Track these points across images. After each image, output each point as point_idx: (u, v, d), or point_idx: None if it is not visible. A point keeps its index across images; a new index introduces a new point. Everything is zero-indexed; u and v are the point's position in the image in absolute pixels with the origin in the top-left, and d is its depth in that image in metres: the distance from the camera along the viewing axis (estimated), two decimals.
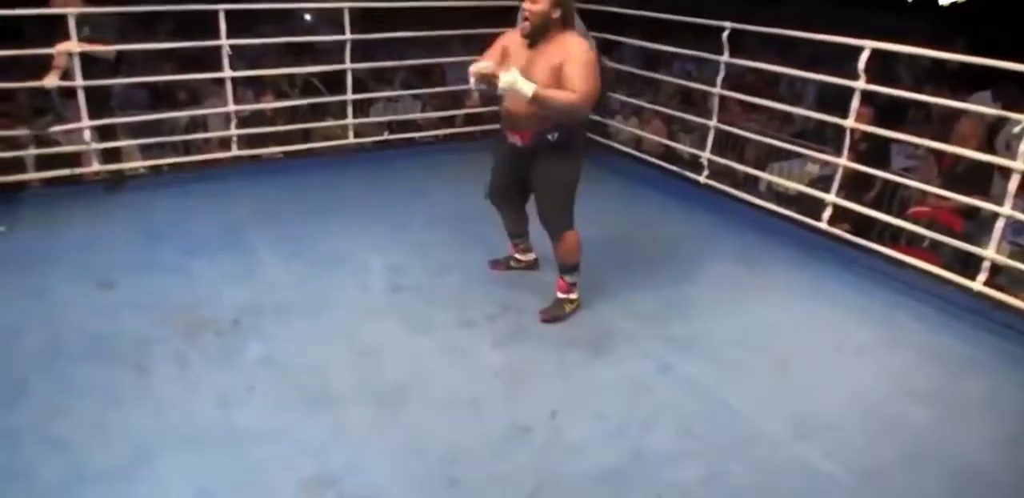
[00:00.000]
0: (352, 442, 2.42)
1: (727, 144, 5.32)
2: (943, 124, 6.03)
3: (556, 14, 2.81)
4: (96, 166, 4.36)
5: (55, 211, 4.06)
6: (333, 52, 7.49)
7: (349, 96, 4.94)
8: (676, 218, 4.31)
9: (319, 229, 3.91)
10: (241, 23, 4.30)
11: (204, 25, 4.50)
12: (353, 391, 2.67)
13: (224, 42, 4.29)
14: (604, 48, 4.88)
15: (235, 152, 4.62)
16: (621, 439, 2.47)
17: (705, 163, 4.43)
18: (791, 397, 2.74)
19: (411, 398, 2.63)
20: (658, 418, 2.58)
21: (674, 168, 4.71)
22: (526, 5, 2.81)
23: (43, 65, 4.12)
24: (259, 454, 2.35)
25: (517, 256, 3.52)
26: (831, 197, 3.81)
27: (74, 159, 4.47)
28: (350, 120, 4.99)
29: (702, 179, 4.46)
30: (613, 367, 2.86)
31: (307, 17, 10.47)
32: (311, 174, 4.77)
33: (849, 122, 3.69)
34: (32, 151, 4.45)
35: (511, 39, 2.97)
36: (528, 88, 2.71)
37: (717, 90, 4.28)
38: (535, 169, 3.01)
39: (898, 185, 4.63)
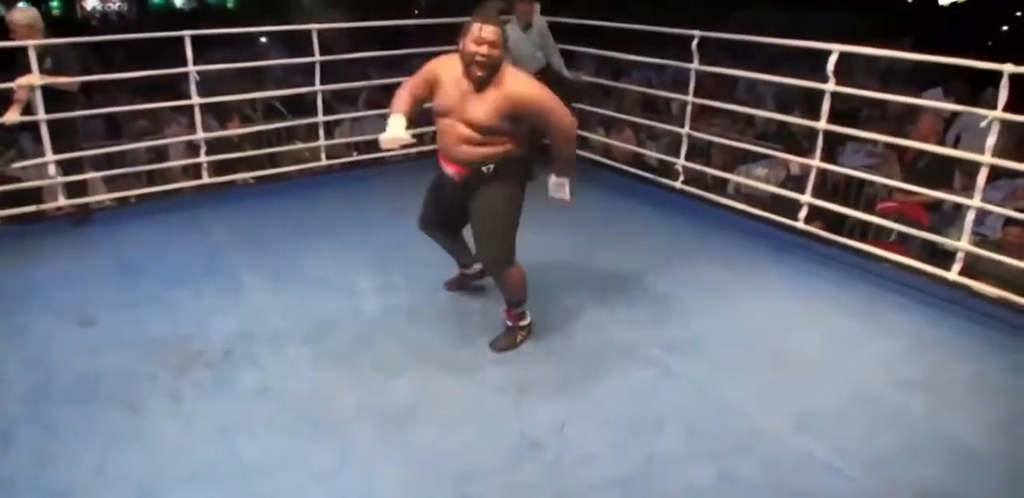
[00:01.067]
0: (362, 465, 2.39)
1: (694, 149, 5.41)
2: (898, 122, 6.25)
3: (503, 55, 2.67)
4: (62, 200, 4.24)
5: (23, 248, 3.94)
6: (292, 74, 7.49)
7: (320, 118, 4.91)
8: (655, 224, 4.37)
9: (300, 252, 3.87)
10: (196, 49, 4.24)
11: (159, 53, 4.45)
12: (357, 414, 2.63)
13: (191, 69, 4.24)
14: (566, 59, 5.03)
15: (206, 180, 4.55)
16: (631, 446, 2.49)
17: (680, 169, 4.49)
18: (790, 392, 2.79)
19: (418, 417, 2.61)
20: (665, 422, 2.60)
21: (649, 175, 4.77)
22: (482, 50, 2.59)
23: (2, 100, 4.04)
24: (268, 485, 2.30)
25: (465, 272, 3.40)
26: (806, 197, 3.90)
27: (36, 194, 4.35)
28: (322, 142, 4.95)
29: (678, 185, 4.53)
30: (615, 375, 2.88)
31: (262, 40, 10.42)
32: (285, 198, 4.72)
33: (821, 124, 3.78)
34: None
35: (448, 73, 2.74)
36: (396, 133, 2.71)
37: (689, 98, 4.35)
38: (471, 200, 2.87)
39: (862, 182, 4.79)
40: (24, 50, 3.90)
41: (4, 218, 4.24)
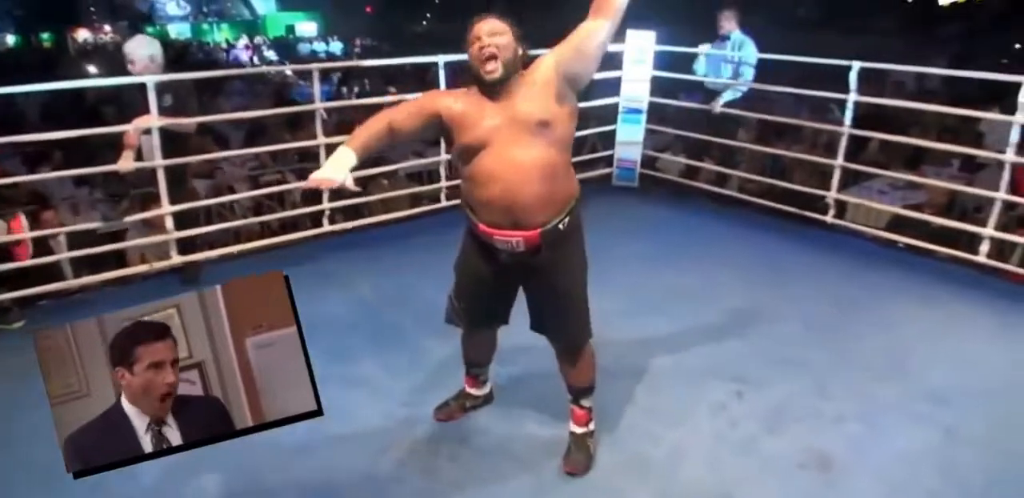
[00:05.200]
0: None
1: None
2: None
3: (521, 50, 2.11)
4: (176, 257, 3.76)
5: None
6: None
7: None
8: (819, 265, 4.13)
9: None
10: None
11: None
12: None
13: (319, 106, 3.85)
14: None
15: (328, 228, 4.13)
16: None
17: (832, 203, 4.33)
18: None
19: None
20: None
21: (792, 209, 4.54)
22: (486, 40, 2.04)
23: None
24: None
25: (472, 392, 2.73)
26: (989, 231, 3.77)
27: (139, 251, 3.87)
28: (443, 183, 4.57)
29: (829, 219, 4.36)
30: (893, 435, 2.64)
31: None
32: (402, 244, 4.32)
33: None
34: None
35: (455, 100, 2.13)
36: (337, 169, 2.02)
37: (846, 129, 4.20)
38: (543, 276, 2.21)
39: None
40: (140, 87, 3.46)
41: (107, 281, 3.73)
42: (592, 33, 2.08)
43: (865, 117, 5.04)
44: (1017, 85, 3.65)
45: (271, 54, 20.38)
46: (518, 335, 2.60)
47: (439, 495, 2.35)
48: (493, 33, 2.06)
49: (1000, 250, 4.05)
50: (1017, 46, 8.39)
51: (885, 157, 6.15)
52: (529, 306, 2.33)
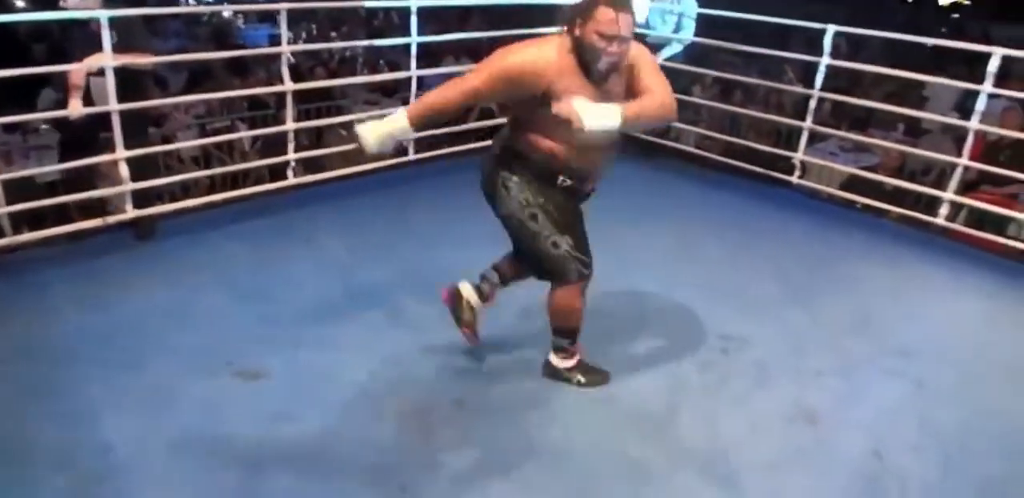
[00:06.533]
0: None
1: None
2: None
3: None
4: (131, 210, 3.50)
5: (104, 276, 3.24)
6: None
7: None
8: (782, 223, 4.22)
9: (433, 259, 3.39)
10: None
11: None
12: None
13: (285, 49, 3.62)
14: None
15: (292, 180, 3.94)
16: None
17: (798, 164, 4.40)
18: None
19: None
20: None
21: (761, 170, 4.59)
22: (617, 48, 2.08)
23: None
24: None
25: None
26: (950, 195, 3.92)
27: (98, 203, 3.59)
28: None
29: (795, 180, 4.44)
30: (870, 389, 2.77)
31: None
32: (376, 195, 4.18)
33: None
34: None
35: (557, 68, 2.12)
36: (614, 114, 2.05)
37: (816, 92, 4.24)
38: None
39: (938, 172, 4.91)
40: (81, 25, 3.16)
41: (62, 236, 3.43)
42: (655, 97, 2.20)
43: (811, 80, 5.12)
44: (959, 52, 3.77)
45: None
46: (512, 295, 2.58)
47: (437, 458, 2.31)
48: (631, 32, 2.06)
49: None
50: (955, 15, 8.81)
51: (835, 120, 6.32)
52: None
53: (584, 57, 2.11)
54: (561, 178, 2.30)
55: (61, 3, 3.25)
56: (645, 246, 3.73)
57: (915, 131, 6.04)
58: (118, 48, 3.23)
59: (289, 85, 3.73)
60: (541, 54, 2.11)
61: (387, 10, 8.91)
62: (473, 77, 2.14)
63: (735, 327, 3.06)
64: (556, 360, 2.63)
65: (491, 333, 2.80)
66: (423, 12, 4.20)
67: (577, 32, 2.09)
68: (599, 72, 2.13)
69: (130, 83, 3.31)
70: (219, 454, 2.27)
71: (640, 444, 2.40)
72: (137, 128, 3.42)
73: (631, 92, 2.23)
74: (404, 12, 5.22)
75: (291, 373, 2.65)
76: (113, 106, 3.26)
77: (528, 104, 2.18)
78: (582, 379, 2.63)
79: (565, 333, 2.56)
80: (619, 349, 2.87)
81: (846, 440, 2.47)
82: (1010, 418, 2.65)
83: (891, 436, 2.50)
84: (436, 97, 2.17)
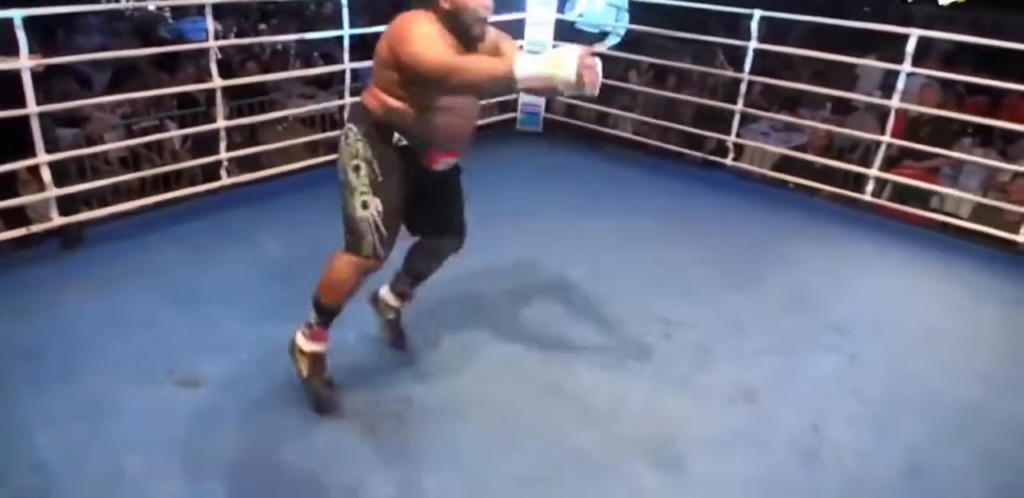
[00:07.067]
0: None
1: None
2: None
3: None
4: (56, 218, 3.36)
5: (33, 288, 3.10)
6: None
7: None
8: (713, 206, 4.32)
9: None
10: None
11: None
12: None
13: (213, 44, 3.52)
14: None
15: (227, 180, 3.84)
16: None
17: (731, 146, 4.49)
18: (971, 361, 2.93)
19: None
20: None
21: (698, 153, 4.69)
22: (488, 2, 2.18)
23: None
24: None
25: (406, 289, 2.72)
26: (875, 172, 4.06)
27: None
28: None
29: (729, 162, 4.54)
30: (807, 365, 2.87)
31: None
32: (303, 193, 4.11)
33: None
34: None
35: (444, 38, 2.16)
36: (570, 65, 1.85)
37: (745, 75, 4.33)
38: (451, 184, 2.49)
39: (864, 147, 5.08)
40: None
41: None
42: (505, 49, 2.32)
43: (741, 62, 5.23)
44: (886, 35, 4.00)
45: None
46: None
47: (385, 458, 2.31)
48: None
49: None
50: None
51: (765, 101, 6.46)
52: (432, 215, 2.50)
53: (459, 25, 2.18)
54: (397, 136, 2.26)
55: None
56: (587, 233, 3.77)
57: (841, 110, 6.23)
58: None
59: (218, 81, 3.64)
60: (432, 24, 2.15)
61: (319, 2, 8.72)
62: (424, 50, 2.05)
63: (676, 311, 3.13)
64: (299, 336, 2.45)
65: (440, 330, 2.80)
66: (355, 3, 4.14)
67: (447, 5, 2.15)
68: (475, 37, 2.20)
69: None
70: (160, 465, 2.22)
71: (588, 433, 2.44)
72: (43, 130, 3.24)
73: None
74: (336, 4, 5.12)
75: (233, 378, 2.61)
76: (32, 109, 3.13)
77: (392, 65, 2.17)
78: (305, 372, 2.44)
79: (319, 308, 2.40)
80: (563, 337, 2.91)
81: (784, 416, 2.57)
82: (931, 382, 2.81)
83: (827, 409, 2.61)
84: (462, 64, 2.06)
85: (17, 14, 3.02)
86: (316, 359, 2.44)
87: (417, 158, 2.31)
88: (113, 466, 2.20)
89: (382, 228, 2.28)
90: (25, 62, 3.05)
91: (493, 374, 2.68)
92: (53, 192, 3.30)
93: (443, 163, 2.36)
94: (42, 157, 3.23)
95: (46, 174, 3.26)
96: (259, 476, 2.21)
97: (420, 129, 2.25)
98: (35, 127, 3.17)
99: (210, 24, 3.49)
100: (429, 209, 2.47)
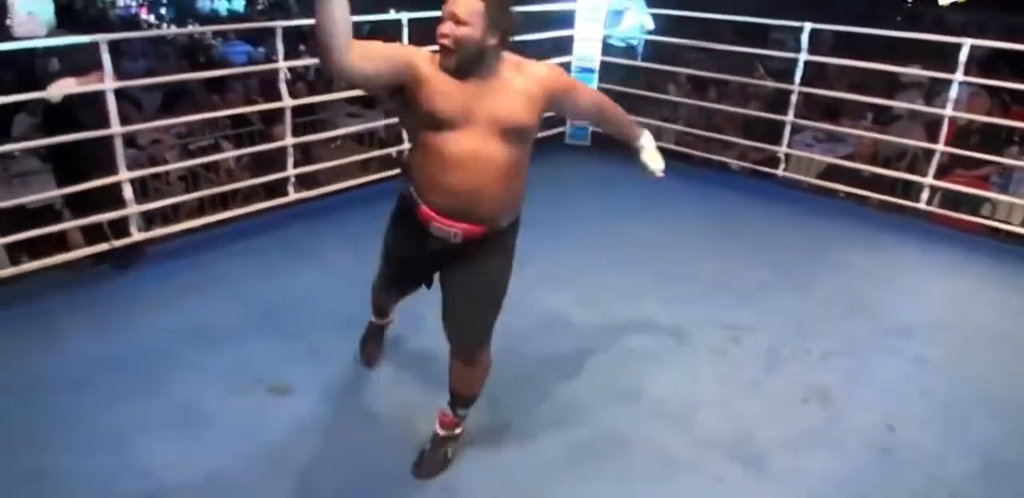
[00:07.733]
0: None
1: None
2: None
3: (493, 41, 1.85)
4: (137, 235, 3.47)
5: (106, 312, 3.11)
6: None
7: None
8: (766, 216, 4.38)
9: None
10: None
11: None
12: None
13: (282, 65, 3.67)
14: None
15: (293, 196, 3.97)
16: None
17: (783, 157, 4.56)
18: None
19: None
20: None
21: (747, 164, 4.76)
22: (444, 28, 1.83)
23: None
24: None
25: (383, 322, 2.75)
26: (929, 180, 4.10)
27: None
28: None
29: (780, 173, 4.60)
30: (874, 367, 2.91)
31: None
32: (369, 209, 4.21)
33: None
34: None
35: (435, 66, 1.88)
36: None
37: (796, 87, 4.40)
38: (469, 266, 2.05)
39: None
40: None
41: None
42: (603, 106, 2.23)
43: (781, 73, 5.30)
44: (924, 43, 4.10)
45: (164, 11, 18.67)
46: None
47: (477, 456, 2.38)
48: (459, 19, 1.80)
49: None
50: (908, 3, 9.13)
51: (807, 111, 6.52)
52: (444, 296, 2.14)
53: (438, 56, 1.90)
54: (407, 196, 2.04)
55: (10, 30, 3.19)
56: (643, 241, 3.86)
57: (883, 119, 6.26)
58: (67, 73, 3.13)
59: (288, 101, 3.79)
60: (422, 52, 1.93)
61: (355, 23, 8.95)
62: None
63: (739, 316, 3.19)
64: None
65: (514, 344, 2.87)
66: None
67: None
68: (452, 69, 1.86)
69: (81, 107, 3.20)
70: (262, 471, 2.29)
71: (667, 434, 2.50)
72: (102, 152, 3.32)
73: (575, 114, 2.37)
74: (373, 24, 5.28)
75: (324, 385, 2.69)
76: (116, 129, 3.29)
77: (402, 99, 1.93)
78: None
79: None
80: (632, 343, 2.98)
81: (858, 416, 2.62)
82: (997, 382, 2.85)
83: (898, 410, 2.66)
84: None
85: (102, 38, 3.18)
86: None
87: (411, 210, 2.02)
88: (215, 472, 2.27)
89: (384, 266, 2.31)
90: (110, 84, 3.22)
91: (574, 381, 2.74)
92: (134, 208, 3.44)
93: (438, 229, 1.97)
94: (123, 174, 3.38)
95: (127, 190, 3.41)
96: (359, 481, 2.28)
97: (413, 171, 1.98)
98: (118, 147, 3.32)
99: (280, 47, 3.64)
100: (441, 286, 2.14)
